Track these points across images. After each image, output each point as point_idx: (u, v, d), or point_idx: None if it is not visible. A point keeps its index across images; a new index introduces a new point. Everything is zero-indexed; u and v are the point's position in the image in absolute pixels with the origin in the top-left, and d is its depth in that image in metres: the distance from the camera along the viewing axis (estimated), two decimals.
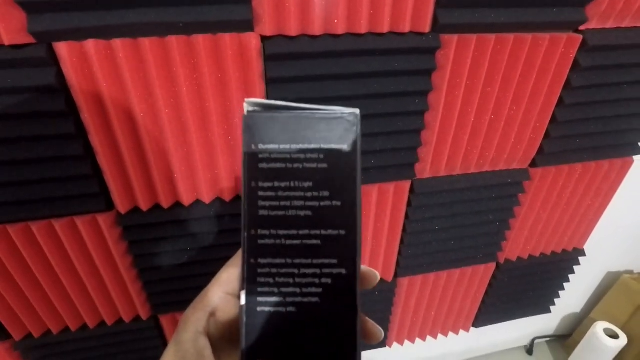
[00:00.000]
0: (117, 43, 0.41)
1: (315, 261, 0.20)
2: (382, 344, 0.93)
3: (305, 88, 0.49)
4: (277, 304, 0.20)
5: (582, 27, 0.55)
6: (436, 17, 0.48)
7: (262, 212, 0.20)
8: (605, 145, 0.69)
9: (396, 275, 0.78)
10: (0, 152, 0.44)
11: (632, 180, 0.78)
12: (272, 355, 0.19)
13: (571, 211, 0.79)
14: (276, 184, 0.20)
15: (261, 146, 0.20)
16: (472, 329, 0.99)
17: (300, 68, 0.47)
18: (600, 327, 1.10)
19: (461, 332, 0.99)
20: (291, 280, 0.20)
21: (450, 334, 0.99)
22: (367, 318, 0.24)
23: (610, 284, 1.17)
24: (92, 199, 0.51)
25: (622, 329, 1.10)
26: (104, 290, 0.61)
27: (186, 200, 0.55)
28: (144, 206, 0.53)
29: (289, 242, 0.20)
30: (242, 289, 0.20)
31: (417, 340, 0.97)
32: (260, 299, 0.20)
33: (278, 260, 0.20)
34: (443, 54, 0.51)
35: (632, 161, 0.74)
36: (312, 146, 0.19)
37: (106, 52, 0.42)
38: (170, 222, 0.56)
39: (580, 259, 0.90)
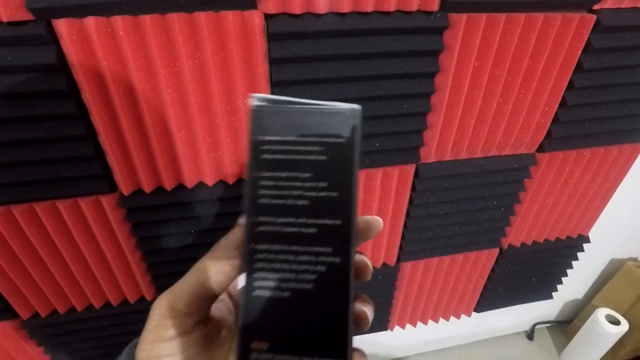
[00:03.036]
0: (118, 20, 0.40)
1: (310, 249, 0.20)
2: (384, 327, 0.94)
3: (310, 68, 0.48)
4: (273, 288, 0.20)
5: (596, 7, 0.53)
6: None
7: (262, 201, 0.20)
8: (615, 130, 0.68)
9: (399, 260, 0.78)
10: (1, 133, 0.44)
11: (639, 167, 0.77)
12: (267, 335, 0.20)
13: (577, 197, 0.78)
14: (277, 174, 0.20)
15: (264, 137, 0.20)
16: (473, 313, 1.00)
17: (305, 47, 0.46)
18: (601, 313, 1.11)
19: (463, 316, 1.00)
20: (287, 267, 0.20)
21: (452, 318, 1.00)
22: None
23: (613, 270, 1.17)
24: (95, 180, 0.51)
25: (624, 316, 1.10)
26: (108, 271, 0.61)
27: (189, 182, 0.54)
28: (147, 188, 0.53)
29: (286, 229, 0.20)
30: (241, 272, 0.21)
31: (419, 324, 0.98)
32: (257, 283, 0.21)
33: (275, 247, 0.21)
34: (451, 34, 0.50)
35: None
36: (313, 139, 0.20)
37: (106, 29, 0.41)
38: (174, 205, 0.56)
39: (584, 245, 0.90)
